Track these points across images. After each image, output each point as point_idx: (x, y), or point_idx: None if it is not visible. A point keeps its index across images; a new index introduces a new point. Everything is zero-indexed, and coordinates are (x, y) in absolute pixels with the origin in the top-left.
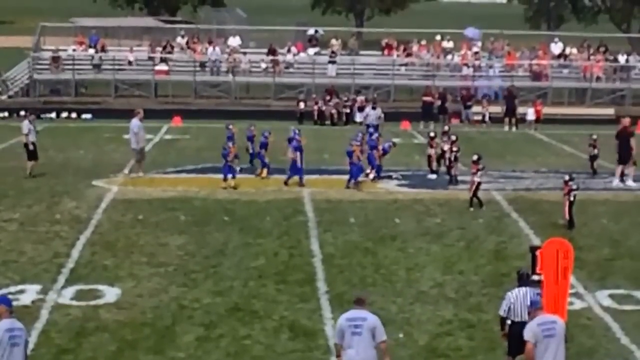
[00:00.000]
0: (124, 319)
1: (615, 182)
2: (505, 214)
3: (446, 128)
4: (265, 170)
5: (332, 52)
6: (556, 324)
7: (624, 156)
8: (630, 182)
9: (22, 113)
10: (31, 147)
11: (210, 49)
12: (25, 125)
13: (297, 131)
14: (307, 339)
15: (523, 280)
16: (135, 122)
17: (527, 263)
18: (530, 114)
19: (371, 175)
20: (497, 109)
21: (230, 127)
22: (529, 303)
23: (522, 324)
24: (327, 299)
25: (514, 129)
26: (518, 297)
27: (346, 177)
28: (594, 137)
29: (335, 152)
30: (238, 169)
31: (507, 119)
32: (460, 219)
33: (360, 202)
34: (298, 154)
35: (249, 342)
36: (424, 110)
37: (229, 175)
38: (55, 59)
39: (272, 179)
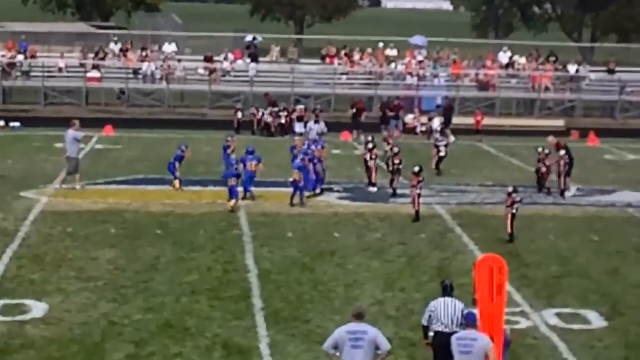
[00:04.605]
0: (51, 335)
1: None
2: (449, 229)
3: (370, 138)
4: (177, 182)
5: (254, 53)
6: (476, 341)
7: None
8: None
9: None
10: None
11: (145, 64)
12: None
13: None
14: (241, 358)
15: (447, 292)
16: (71, 133)
17: (472, 280)
18: (436, 124)
19: (318, 191)
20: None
21: (230, 139)
22: (458, 314)
23: (446, 335)
24: (263, 317)
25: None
26: (440, 306)
27: (282, 189)
28: (547, 151)
29: (273, 164)
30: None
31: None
32: (402, 234)
33: (299, 216)
34: (312, 165)
35: None
36: (354, 120)
37: (233, 198)
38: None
39: (203, 193)
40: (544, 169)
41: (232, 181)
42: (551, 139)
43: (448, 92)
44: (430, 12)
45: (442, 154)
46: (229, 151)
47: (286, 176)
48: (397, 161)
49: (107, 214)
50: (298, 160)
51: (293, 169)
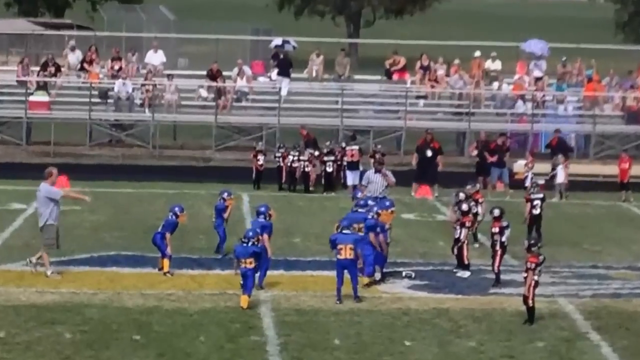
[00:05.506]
0: None
1: None
2: (580, 335)
3: (462, 196)
4: (166, 262)
5: (284, 65)
6: None
7: None
8: None
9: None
10: None
11: (118, 82)
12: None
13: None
14: None
15: None
16: (44, 189)
17: None
18: (561, 176)
19: (377, 275)
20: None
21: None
22: None
23: None
24: None
25: (563, 198)
26: None
27: (323, 273)
28: None
29: (311, 233)
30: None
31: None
32: (507, 341)
33: (351, 314)
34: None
35: None
36: (424, 166)
37: (248, 291)
38: None
39: (206, 278)
40: None
41: (248, 262)
42: None
43: (579, 124)
44: (553, 5)
45: (536, 211)
46: (225, 215)
47: (330, 252)
48: (496, 230)
49: (59, 310)
50: (347, 230)
51: (345, 242)
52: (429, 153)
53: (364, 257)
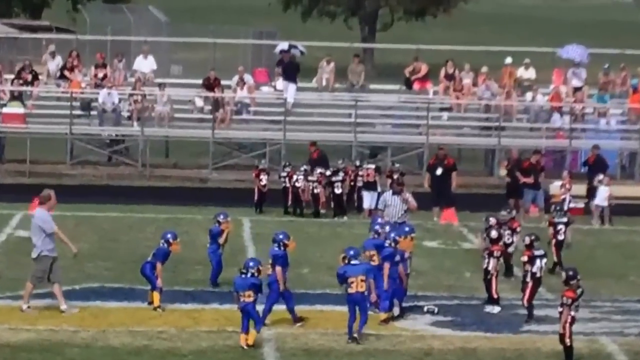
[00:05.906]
0: None
1: None
2: None
3: (492, 221)
4: (156, 295)
5: (290, 72)
6: None
7: None
8: None
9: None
10: None
11: (103, 92)
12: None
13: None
14: None
15: None
16: (40, 216)
17: None
18: (602, 197)
19: (396, 310)
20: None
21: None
22: None
23: None
24: None
25: (606, 224)
26: None
27: (336, 308)
28: None
29: (322, 263)
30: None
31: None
32: None
33: (366, 355)
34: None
35: None
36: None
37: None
38: None
39: (202, 314)
40: None
41: (247, 295)
42: None
43: (623, 140)
44: (594, 7)
45: (561, 237)
46: (220, 240)
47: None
48: (525, 259)
49: (36, 350)
50: (356, 261)
51: (356, 273)
52: (439, 171)
53: (379, 289)
